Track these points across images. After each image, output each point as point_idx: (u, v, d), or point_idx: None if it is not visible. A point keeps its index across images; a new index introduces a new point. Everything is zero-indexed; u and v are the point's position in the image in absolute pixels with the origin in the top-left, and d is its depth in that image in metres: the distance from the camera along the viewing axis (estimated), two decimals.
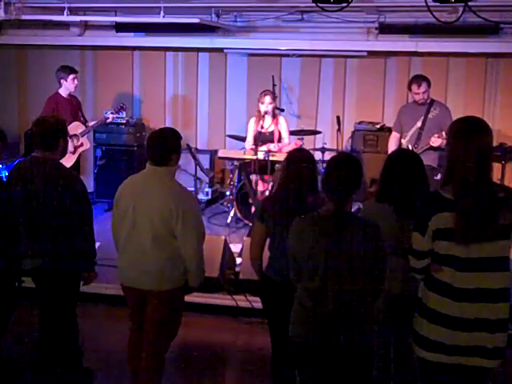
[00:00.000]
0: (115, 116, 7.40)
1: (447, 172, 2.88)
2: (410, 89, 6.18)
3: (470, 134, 2.80)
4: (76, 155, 6.80)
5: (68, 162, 6.25)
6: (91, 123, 7.12)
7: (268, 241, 3.63)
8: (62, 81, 6.78)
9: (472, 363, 2.83)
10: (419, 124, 6.09)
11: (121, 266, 3.68)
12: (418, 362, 2.98)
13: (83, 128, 6.92)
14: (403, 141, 6.20)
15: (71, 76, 6.78)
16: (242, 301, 5.17)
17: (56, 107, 6.62)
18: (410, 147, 6.01)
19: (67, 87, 6.80)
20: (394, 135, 6.39)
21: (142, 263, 3.53)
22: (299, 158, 3.56)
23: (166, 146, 3.56)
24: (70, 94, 6.89)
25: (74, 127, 6.75)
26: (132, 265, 3.59)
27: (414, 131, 6.11)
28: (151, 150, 3.56)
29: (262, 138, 6.84)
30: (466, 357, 2.82)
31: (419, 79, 6.11)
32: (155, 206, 3.47)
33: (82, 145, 6.89)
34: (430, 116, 6.06)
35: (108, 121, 7.30)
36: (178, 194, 3.52)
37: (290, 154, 3.68)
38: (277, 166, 6.49)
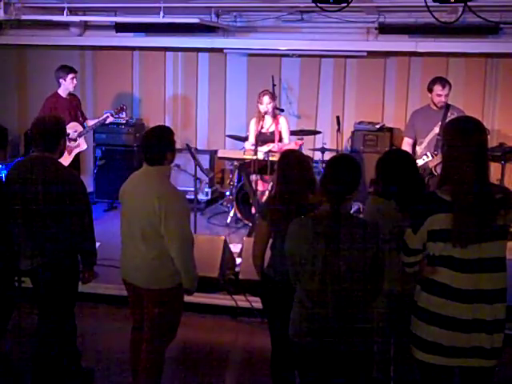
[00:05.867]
0: (115, 117, 7.37)
1: (444, 173, 2.88)
2: (430, 90, 5.83)
3: (466, 135, 2.80)
4: (72, 156, 6.76)
5: (64, 162, 6.21)
6: (90, 123, 7.10)
7: (270, 240, 3.63)
8: (60, 80, 6.75)
9: (471, 364, 2.83)
10: (437, 130, 5.73)
11: (121, 261, 3.74)
12: (417, 364, 2.98)
13: (81, 129, 6.90)
14: (418, 148, 5.88)
15: (70, 75, 6.74)
16: (241, 301, 5.16)
17: (54, 107, 6.59)
18: (429, 155, 5.74)
19: (66, 87, 6.77)
20: (407, 141, 6.00)
21: (135, 260, 3.59)
22: (291, 159, 3.58)
23: (159, 145, 3.55)
24: (69, 94, 6.87)
25: (72, 127, 6.72)
26: (129, 261, 3.65)
27: (432, 138, 5.79)
28: (145, 149, 3.57)
29: (262, 138, 6.84)
30: (465, 358, 2.82)
31: (443, 81, 5.82)
32: (142, 205, 3.49)
33: (78, 145, 6.86)
34: (447, 121, 5.70)
35: (107, 122, 7.27)
36: (162, 195, 3.48)
37: (283, 155, 3.68)
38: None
